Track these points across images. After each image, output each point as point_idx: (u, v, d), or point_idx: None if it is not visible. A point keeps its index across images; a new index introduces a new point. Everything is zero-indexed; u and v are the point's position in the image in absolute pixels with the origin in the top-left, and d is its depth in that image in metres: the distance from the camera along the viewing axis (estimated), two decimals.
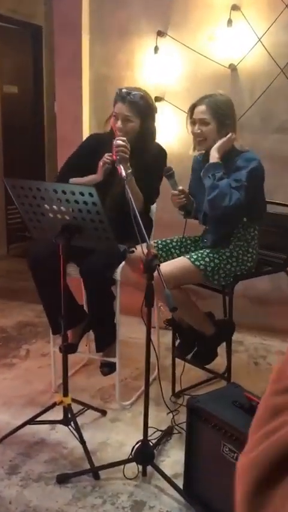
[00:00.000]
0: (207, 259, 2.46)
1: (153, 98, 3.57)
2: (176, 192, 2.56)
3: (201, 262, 2.45)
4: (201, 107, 2.46)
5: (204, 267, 2.44)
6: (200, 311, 2.66)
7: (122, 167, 2.33)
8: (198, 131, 2.48)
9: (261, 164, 2.47)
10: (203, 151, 2.60)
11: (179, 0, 3.48)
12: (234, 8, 3.30)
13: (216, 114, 2.43)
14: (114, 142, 2.43)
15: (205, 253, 2.49)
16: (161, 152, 2.72)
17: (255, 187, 2.46)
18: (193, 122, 2.51)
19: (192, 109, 2.50)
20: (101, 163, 2.60)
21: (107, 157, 2.58)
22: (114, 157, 2.39)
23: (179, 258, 2.52)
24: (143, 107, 2.62)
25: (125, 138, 2.48)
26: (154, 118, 2.71)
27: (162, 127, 3.60)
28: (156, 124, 2.74)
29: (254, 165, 2.41)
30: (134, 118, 2.62)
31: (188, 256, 2.48)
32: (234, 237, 2.55)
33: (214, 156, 2.44)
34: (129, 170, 2.46)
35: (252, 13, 3.30)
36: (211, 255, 2.48)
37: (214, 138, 2.47)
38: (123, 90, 2.61)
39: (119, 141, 2.43)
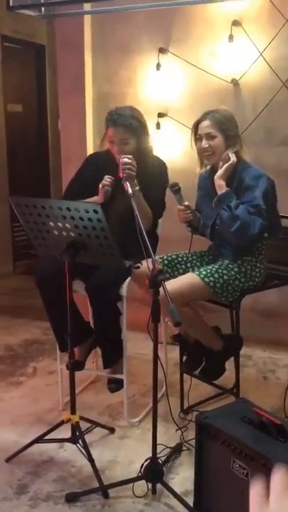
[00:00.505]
0: (216, 275, 2.45)
1: (156, 114, 3.64)
2: (182, 207, 2.57)
3: (210, 278, 2.44)
4: (206, 122, 2.49)
5: (213, 283, 2.44)
6: (208, 326, 2.65)
7: (128, 184, 2.34)
8: (206, 145, 2.50)
9: (270, 179, 2.50)
10: (208, 168, 2.63)
11: (180, 17, 3.52)
12: (235, 23, 3.34)
13: (222, 127, 2.46)
14: (120, 160, 2.45)
15: (214, 269, 2.48)
16: (162, 165, 2.74)
17: (272, 205, 2.49)
18: (199, 139, 2.53)
19: (196, 125, 2.53)
20: (100, 186, 2.62)
21: (106, 179, 2.60)
22: (121, 174, 2.41)
23: (187, 274, 2.52)
24: (136, 126, 2.65)
25: (131, 156, 2.50)
26: (148, 133, 2.74)
27: (166, 143, 3.64)
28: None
29: (265, 185, 2.43)
30: (130, 138, 2.64)
31: (197, 273, 2.47)
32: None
33: (221, 185, 2.46)
34: (137, 188, 2.48)
35: (253, 28, 3.34)
36: (220, 270, 2.48)
37: (222, 151, 2.50)
38: (114, 114, 2.62)
39: (125, 159, 2.45)
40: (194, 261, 2.72)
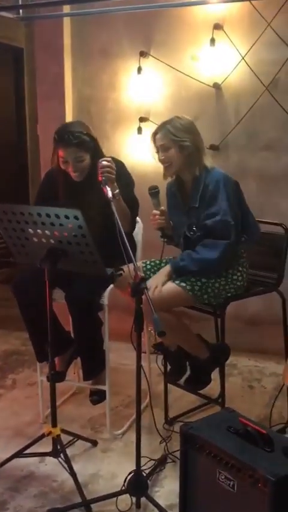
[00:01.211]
0: (193, 279, 2.48)
1: (137, 118, 3.65)
2: (157, 211, 2.59)
3: (187, 283, 2.47)
4: (159, 135, 2.54)
5: (191, 287, 2.46)
6: (193, 334, 2.65)
7: (108, 188, 2.34)
8: (163, 157, 2.55)
9: (231, 179, 2.52)
10: (173, 177, 2.66)
11: (161, 20, 3.54)
12: (217, 27, 3.37)
13: (173, 138, 2.50)
14: (99, 163, 2.44)
15: (191, 275, 2.51)
16: (122, 165, 2.71)
17: (241, 208, 2.54)
18: (157, 151, 2.57)
19: (154, 137, 2.57)
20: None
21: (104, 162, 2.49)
22: (100, 178, 2.40)
23: (167, 283, 2.53)
24: (88, 142, 2.62)
25: (110, 158, 2.49)
26: (98, 143, 2.71)
27: (147, 148, 3.64)
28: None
29: (227, 189, 2.47)
30: (85, 155, 2.62)
31: (173, 279, 2.52)
32: None
33: (167, 272, 2.52)
34: (117, 191, 2.47)
35: (234, 32, 3.37)
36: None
37: (178, 162, 2.54)
38: (63, 133, 2.57)
39: (104, 162, 2.44)
40: None
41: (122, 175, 2.61)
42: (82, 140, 2.58)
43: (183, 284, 2.46)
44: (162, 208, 2.62)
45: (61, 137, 2.58)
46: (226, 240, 2.46)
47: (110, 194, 2.30)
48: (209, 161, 2.58)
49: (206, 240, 2.50)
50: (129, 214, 2.67)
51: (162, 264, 2.69)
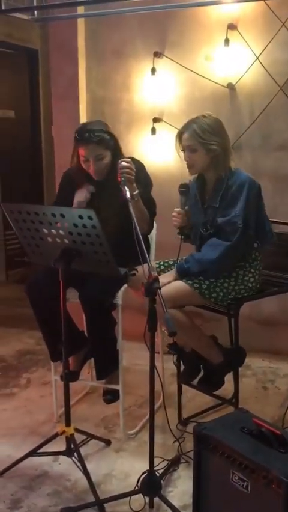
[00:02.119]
0: (201, 277, 2.47)
1: (151, 119, 3.65)
2: (182, 210, 2.58)
3: (194, 281, 2.47)
4: (186, 135, 2.51)
5: (198, 285, 2.46)
6: (206, 337, 2.64)
7: (126, 188, 2.34)
8: (188, 158, 2.54)
9: (255, 185, 2.51)
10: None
11: (175, 21, 3.54)
12: (231, 27, 3.35)
13: (200, 141, 2.47)
14: (118, 164, 2.45)
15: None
16: (139, 164, 2.70)
17: (258, 214, 2.53)
18: (182, 149, 2.55)
19: (180, 136, 2.54)
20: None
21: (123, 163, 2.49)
22: (119, 179, 2.40)
23: (175, 281, 2.54)
24: (109, 139, 2.63)
25: (129, 159, 2.49)
26: (118, 142, 2.72)
27: (161, 149, 3.64)
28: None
29: (248, 195, 2.46)
30: (105, 153, 2.63)
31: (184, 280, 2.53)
32: None
33: (172, 274, 2.54)
34: (136, 191, 2.47)
35: (249, 32, 3.35)
36: None
37: (203, 163, 2.52)
38: (84, 132, 2.58)
39: (123, 163, 2.44)
40: None
41: (141, 176, 2.61)
42: (102, 138, 2.59)
43: (191, 282, 2.47)
44: (187, 208, 2.61)
45: (81, 136, 2.58)
46: (229, 241, 2.45)
47: (128, 194, 2.30)
48: (233, 161, 2.56)
49: (212, 239, 2.51)
50: (148, 216, 2.67)
51: (176, 264, 2.69)
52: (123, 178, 2.39)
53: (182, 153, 2.57)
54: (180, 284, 2.48)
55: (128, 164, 2.44)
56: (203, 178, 2.62)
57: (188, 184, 2.63)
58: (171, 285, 2.48)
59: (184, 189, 2.60)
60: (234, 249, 2.47)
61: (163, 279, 2.48)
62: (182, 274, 2.51)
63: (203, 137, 2.46)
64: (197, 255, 2.51)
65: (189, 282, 2.47)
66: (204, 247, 2.52)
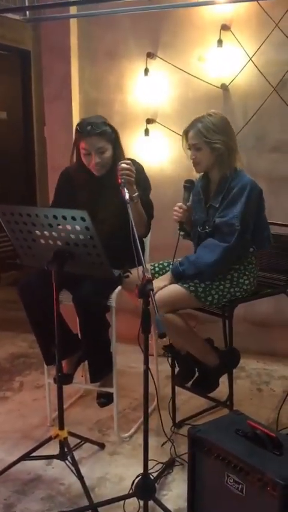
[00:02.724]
0: (196, 280, 2.47)
1: (144, 120, 3.65)
2: (185, 206, 2.59)
3: (190, 284, 2.47)
4: (191, 133, 2.53)
5: (194, 287, 2.46)
6: (202, 340, 2.64)
7: (126, 190, 2.34)
8: (193, 156, 2.56)
9: (256, 188, 2.51)
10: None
11: (168, 21, 3.54)
12: (224, 27, 3.36)
13: (205, 140, 2.49)
14: (118, 166, 2.45)
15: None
16: (139, 165, 2.71)
17: (258, 218, 2.54)
18: (189, 148, 2.57)
19: (186, 134, 2.57)
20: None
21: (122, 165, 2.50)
22: (119, 180, 2.40)
23: (171, 285, 2.53)
24: (110, 133, 2.65)
25: (129, 161, 2.50)
26: (119, 136, 2.73)
27: (155, 150, 3.65)
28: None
29: (248, 198, 2.46)
30: (107, 146, 2.64)
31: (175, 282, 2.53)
32: None
33: (168, 277, 2.54)
34: (136, 193, 2.48)
35: (242, 32, 3.36)
36: None
37: (207, 161, 2.54)
38: (85, 125, 2.60)
39: (123, 164, 2.44)
40: None
41: (140, 178, 2.61)
42: (104, 131, 2.61)
43: (186, 285, 2.46)
44: (189, 204, 2.62)
45: (83, 129, 2.59)
46: (227, 243, 2.45)
47: (127, 196, 2.31)
48: (240, 162, 2.57)
49: (208, 240, 2.51)
50: (145, 218, 2.67)
51: (171, 266, 2.69)
52: (123, 180, 2.39)
53: (188, 151, 2.59)
54: (176, 288, 2.48)
55: (128, 166, 2.44)
56: (208, 177, 2.64)
57: (194, 180, 2.64)
58: (167, 288, 2.48)
59: (188, 185, 2.62)
60: (231, 251, 2.47)
61: (158, 282, 2.48)
62: (177, 277, 2.51)
63: (207, 136, 2.48)
64: (191, 257, 2.51)
65: (185, 285, 2.47)
66: (200, 248, 2.53)
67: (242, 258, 2.57)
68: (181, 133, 2.60)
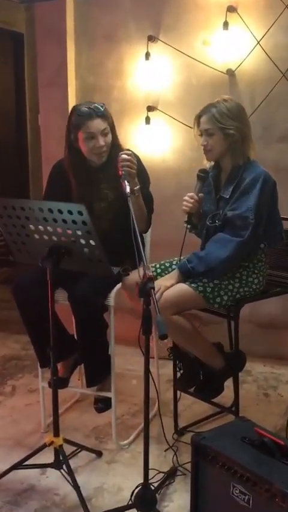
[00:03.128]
0: (205, 279, 2.47)
1: (145, 108, 3.64)
2: (196, 197, 2.58)
3: (198, 284, 2.46)
4: (204, 118, 2.53)
5: (203, 288, 2.45)
6: (208, 343, 2.64)
7: (127, 183, 2.34)
8: (205, 142, 2.55)
9: (269, 180, 2.51)
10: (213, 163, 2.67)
11: (170, 3, 3.53)
12: (230, 9, 3.35)
13: (218, 125, 2.49)
14: (119, 157, 2.45)
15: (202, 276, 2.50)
16: (138, 158, 2.69)
17: (271, 211, 2.54)
18: (201, 134, 2.57)
19: (198, 119, 2.57)
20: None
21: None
22: (120, 172, 2.40)
23: (177, 284, 2.53)
24: (109, 116, 2.67)
25: (130, 152, 2.49)
26: (113, 122, 2.74)
27: (156, 139, 3.64)
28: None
29: (261, 190, 2.46)
30: (108, 129, 2.65)
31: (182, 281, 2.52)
32: None
33: (176, 275, 2.52)
34: (137, 187, 2.48)
35: (249, 15, 3.35)
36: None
37: (220, 148, 2.54)
38: (86, 108, 2.60)
39: (124, 155, 2.44)
40: None
41: (139, 170, 2.61)
42: (105, 112, 2.62)
43: (195, 285, 2.45)
44: (202, 195, 2.62)
45: (84, 112, 2.59)
46: (240, 237, 2.44)
47: (128, 189, 2.30)
48: (254, 152, 2.58)
49: (219, 235, 2.50)
50: (146, 213, 2.67)
51: (173, 266, 2.67)
52: (124, 172, 2.39)
53: (199, 138, 2.59)
54: (183, 288, 2.46)
55: (130, 157, 2.44)
56: (219, 166, 2.64)
57: (208, 170, 2.64)
58: (172, 289, 2.46)
59: (203, 174, 2.61)
60: (245, 246, 2.46)
61: (165, 281, 2.47)
62: (185, 275, 2.49)
63: (221, 122, 2.48)
64: (201, 253, 2.50)
65: (193, 285, 2.45)
66: (210, 243, 2.51)
67: (252, 255, 2.56)
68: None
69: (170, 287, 2.46)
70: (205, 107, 2.54)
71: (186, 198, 2.59)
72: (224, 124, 2.48)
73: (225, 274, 2.50)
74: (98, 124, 2.60)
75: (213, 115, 2.49)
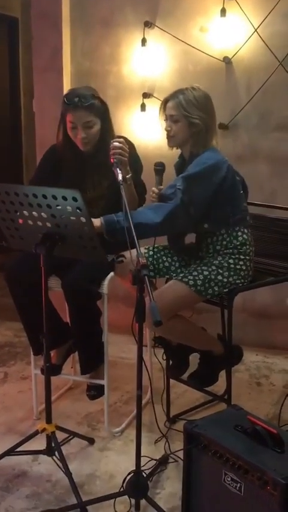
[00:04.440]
0: (195, 273, 2.46)
1: (141, 94, 3.62)
2: (157, 190, 2.58)
3: (189, 277, 2.45)
4: (170, 103, 2.52)
5: (193, 281, 2.43)
6: (204, 333, 2.65)
7: (119, 171, 2.32)
8: (169, 128, 2.54)
9: (220, 170, 2.46)
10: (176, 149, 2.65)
11: None
12: None
13: (184, 113, 2.47)
14: (111, 145, 2.43)
15: (192, 268, 2.51)
16: (130, 144, 2.67)
17: (205, 186, 2.45)
18: (165, 119, 2.56)
19: (165, 104, 2.55)
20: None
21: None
22: (111, 160, 2.38)
23: (169, 283, 2.53)
24: (99, 106, 2.62)
25: (122, 139, 2.47)
26: (109, 111, 2.71)
27: (152, 126, 3.62)
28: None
29: (200, 170, 2.43)
30: (95, 120, 2.61)
31: (175, 275, 2.54)
32: (219, 245, 2.54)
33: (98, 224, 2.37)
34: (129, 175, 2.47)
35: (247, 2, 3.33)
36: (199, 268, 2.49)
37: (183, 136, 2.52)
38: (72, 96, 2.57)
39: (115, 143, 2.42)
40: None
41: (132, 158, 2.59)
42: (92, 104, 2.58)
43: (185, 279, 2.44)
44: (161, 187, 2.61)
45: (70, 100, 2.56)
46: (168, 203, 2.42)
47: (120, 177, 2.29)
48: (216, 141, 2.55)
49: (154, 203, 2.51)
50: (137, 201, 2.66)
51: (166, 250, 2.67)
52: (115, 160, 2.37)
53: (164, 122, 2.57)
54: (176, 289, 2.45)
55: (121, 145, 2.42)
56: (183, 156, 2.63)
57: (163, 163, 2.61)
58: (166, 294, 2.45)
59: (160, 167, 2.59)
60: (171, 212, 2.38)
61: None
62: (108, 225, 2.34)
63: (187, 110, 2.47)
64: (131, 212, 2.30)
65: (184, 280, 2.43)
66: (143, 208, 2.49)
67: (232, 239, 2.51)
68: None
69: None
70: (173, 93, 2.53)
71: (150, 193, 2.60)
72: (190, 112, 2.46)
73: (147, 237, 2.45)
74: (81, 116, 2.57)
75: (180, 102, 2.47)
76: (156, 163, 2.60)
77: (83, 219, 2.11)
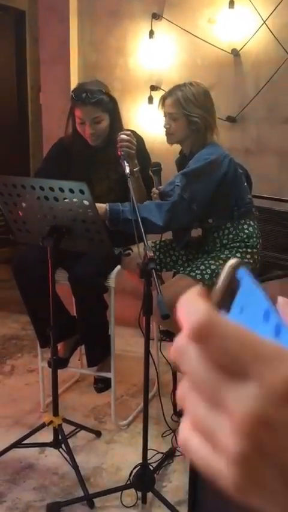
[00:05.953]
0: (202, 267, 2.46)
1: (148, 87, 3.60)
2: (156, 190, 2.56)
3: (196, 272, 2.44)
4: (168, 101, 2.49)
5: (201, 276, 2.43)
6: None
7: (126, 164, 2.31)
8: (168, 126, 2.52)
9: (221, 165, 2.43)
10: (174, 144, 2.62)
11: None
12: None
13: (183, 111, 2.45)
14: (118, 137, 2.42)
15: (200, 262, 2.50)
16: (139, 137, 2.67)
17: (205, 182, 2.42)
18: (164, 115, 2.54)
19: (163, 101, 2.53)
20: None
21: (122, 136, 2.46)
22: (119, 153, 2.37)
23: (176, 277, 2.53)
24: (107, 102, 2.60)
25: (129, 132, 2.47)
26: (118, 106, 2.70)
27: (159, 120, 3.60)
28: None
29: (199, 166, 2.40)
30: (103, 116, 2.60)
31: (182, 269, 2.54)
32: (226, 239, 2.53)
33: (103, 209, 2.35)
34: (137, 168, 2.46)
35: None
36: (206, 261, 2.48)
37: (183, 134, 2.50)
38: (81, 91, 2.56)
39: (123, 136, 2.42)
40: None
41: (140, 152, 2.58)
42: (100, 100, 2.56)
43: (193, 273, 2.43)
44: (161, 187, 2.59)
45: (78, 96, 2.55)
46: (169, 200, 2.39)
47: (127, 170, 2.28)
48: (216, 137, 2.53)
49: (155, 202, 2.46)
50: (146, 194, 2.65)
51: (173, 244, 2.67)
52: (123, 152, 2.36)
53: (163, 119, 2.55)
54: (182, 279, 2.44)
55: (129, 138, 2.41)
56: (184, 154, 2.61)
57: (159, 162, 2.58)
58: (174, 289, 2.41)
59: (155, 168, 2.57)
60: (170, 210, 2.36)
61: None
62: (112, 214, 2.33)
63: (186, 108, 2.44)
64: (138, 205, 2.31)
65: (191, 274, 2.43)
66: (150, 203, 2.44)
67: (238, 232, 2.50)
68: None
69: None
70: (171, 89, 2.50)
71: (151, 194, 2.59)
72: (189, 110, 2.43)
73: (148, 233, 2.37)
74: (88, 112, 2.56)
75: (178, 99, 2.44)
76: (152, 165, 2.59)
77: (90, 212, 2.11)
